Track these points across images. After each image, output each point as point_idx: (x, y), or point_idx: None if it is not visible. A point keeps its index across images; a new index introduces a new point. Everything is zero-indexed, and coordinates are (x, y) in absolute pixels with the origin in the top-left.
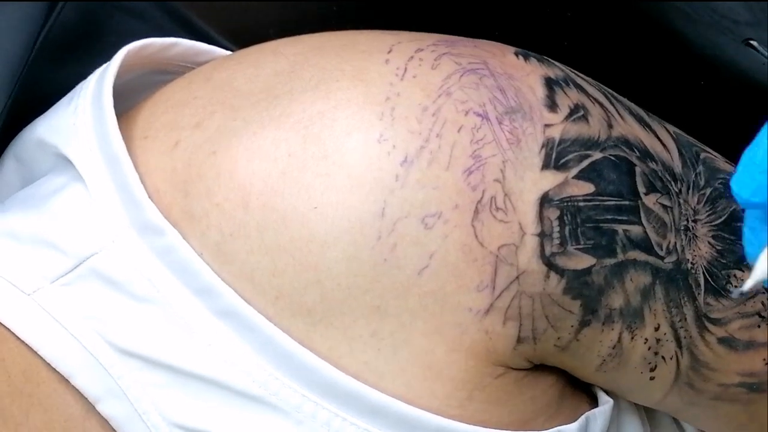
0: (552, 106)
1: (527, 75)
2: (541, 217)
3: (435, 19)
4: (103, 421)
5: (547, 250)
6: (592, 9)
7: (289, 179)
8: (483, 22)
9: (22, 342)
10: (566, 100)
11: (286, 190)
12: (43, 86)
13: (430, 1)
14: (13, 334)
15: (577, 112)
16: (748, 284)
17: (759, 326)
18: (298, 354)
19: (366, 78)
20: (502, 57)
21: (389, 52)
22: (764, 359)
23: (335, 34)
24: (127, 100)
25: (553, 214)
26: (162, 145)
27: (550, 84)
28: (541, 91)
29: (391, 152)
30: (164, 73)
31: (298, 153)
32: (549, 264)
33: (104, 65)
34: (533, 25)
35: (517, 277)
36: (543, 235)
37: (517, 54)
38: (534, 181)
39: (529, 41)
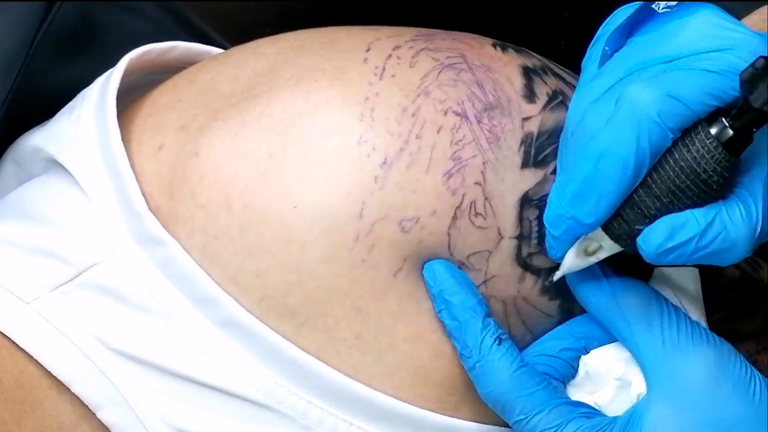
0: (530, 96)
1: (505, 65)
2: (521, 218)
3: (434, 20)
4: (95, 428)
5: (524, 252)
6: (590, 9)
7: (270, 180)
8: (481, 22)
9: (16, 349)
10: (544, 87)
11: (266, 191)
12: (41, 85)
13: (431, 0)
14: (10, 341)
15: (555, 99)
16: (557, 275)
17: (739, 318)
18: (303, 361)
19: (345, 78)
20: (480, 49)
21: (368, 50)
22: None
23: (316, 32)
24: (126, 100)
25: (532, 214)
26: (148, 148)
27: (527, 73)
28: (518, 81)
29: (370, 154)
30: (164, 72)
31: (278, 154)
32: (524, 265)
33: (107, 73)
34: (531, 25)
35: (484, 282)
36: (521, 237)
37: (494, 45)
38: (514, 182)
39: (528, 42)
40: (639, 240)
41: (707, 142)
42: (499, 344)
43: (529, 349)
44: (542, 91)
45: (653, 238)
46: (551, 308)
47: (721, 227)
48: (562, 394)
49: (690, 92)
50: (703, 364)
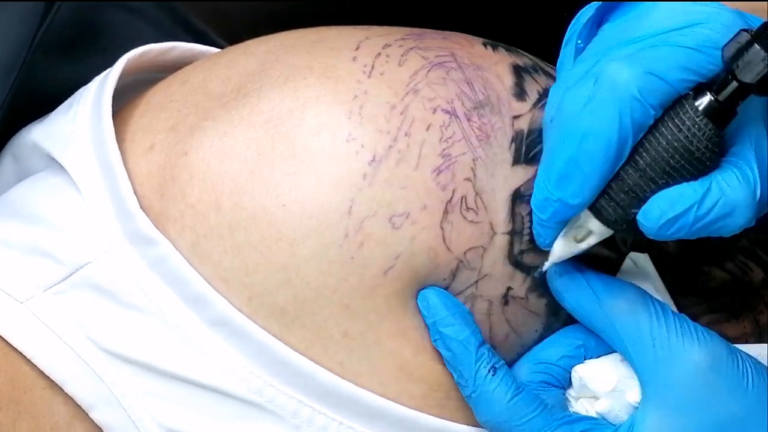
0: (520, 94)
1: (495, 64)
2: (513, 214)
3: (427, 21)
4: (90, 428)
5: (516, 249)
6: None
7: (259, 179)
8: (473, 23)
9: (11, 349)
10: (535, 85)
11: (255, 189)
12: (40, 85)
13: (430, 2)
14: (4, 341)
15: (546, 96)
16: (546, 265)
17: (728, 321)
18: (294, 360)
19: (334, 75)
20: (470, 48)
21: (357, 48)
22: None
23: (307, 31)
24: (124, 99)
25: (524, 209)
26: (139, 148)
27: (518, 71)
28: (509, 79)
29: (359, 151)
30: (163, 72)
31: (267, 152)
32: (516, 263)
33: (104, 72)
34: (530, 26)
35: (476, 281)
36: (513, 233)
37: (485, 44)
38: (505, 178)
39: (520, 43)
40: (639, 216)
41: (697, 119)
42: (493, 374)
43: (527, 356)
44: (533, 89)
45: (653, 211)
46: (538, 307)
47: (719, 192)
48: (562, 410)
49: (669, 68)
50: (696, 366)
